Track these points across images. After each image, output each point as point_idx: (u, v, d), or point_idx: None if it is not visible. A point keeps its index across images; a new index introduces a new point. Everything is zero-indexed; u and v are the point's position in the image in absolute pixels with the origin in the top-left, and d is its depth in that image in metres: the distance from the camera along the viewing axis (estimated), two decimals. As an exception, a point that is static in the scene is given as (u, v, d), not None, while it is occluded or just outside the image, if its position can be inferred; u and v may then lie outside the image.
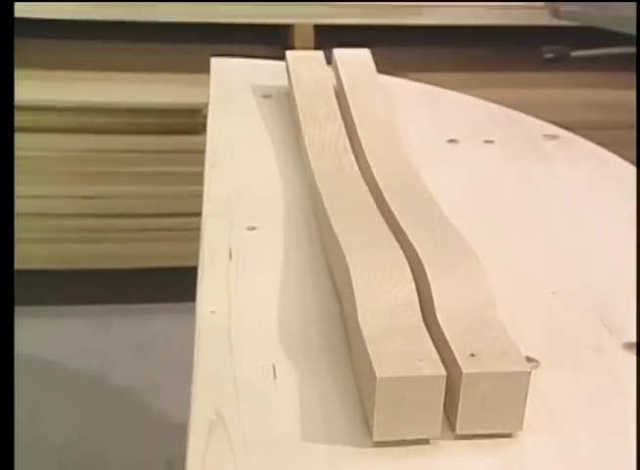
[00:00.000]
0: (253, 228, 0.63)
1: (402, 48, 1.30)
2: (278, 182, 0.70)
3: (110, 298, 1.42)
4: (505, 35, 1.41)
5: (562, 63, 1.27)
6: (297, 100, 0.78)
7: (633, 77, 1.36)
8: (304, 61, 0.85)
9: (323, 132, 0.72)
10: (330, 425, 0.46)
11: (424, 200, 0.61)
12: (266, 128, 0.80)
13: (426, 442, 0.45)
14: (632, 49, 1.14)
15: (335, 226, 0.56)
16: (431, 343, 0.46)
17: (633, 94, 1.35)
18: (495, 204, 0.70)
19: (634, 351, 0.53)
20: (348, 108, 0.76)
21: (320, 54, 0.87)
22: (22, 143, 1.27)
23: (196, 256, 0.59)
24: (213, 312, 0.54)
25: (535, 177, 0.75)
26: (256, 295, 0.56)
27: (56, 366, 1.30)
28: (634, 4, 1.02)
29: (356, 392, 0.48)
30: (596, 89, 1.50)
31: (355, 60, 0.85)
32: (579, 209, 0.70)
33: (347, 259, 0.52)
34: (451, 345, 0.46)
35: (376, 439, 0.45)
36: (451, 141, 0.80)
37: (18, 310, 1.38)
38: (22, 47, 1.28)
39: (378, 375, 0.43)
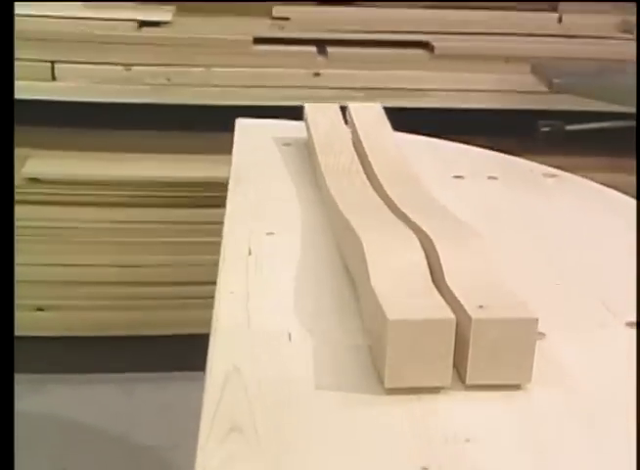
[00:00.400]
0: (272, 234, 0.64)
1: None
2: (295, 202, 0.71)
3: (135, 365, 1.40)
4: (501, 120, 1.44)
5: (559, 138, 1.30)
6: (315, 138, 0.79)
7: (631, 162, 1.37)
8: (322, 110, 0.87)
9: (337, 160, 0.74)
10: (343, 376, 0.45)
11: (431, 200, 0.61)
12: (285, 166, 0.81)
13: (436, 391, 0.44)
14: (626, 123, 1.17)
15: (347, 217, 0.56)
16: (441, 298, 0.46)
17: (631, 179, 1.37)
18: (498, 225, 0.70)
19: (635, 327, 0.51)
20: (362, 145, 0.78)
21: (336, 106, 0.89)
22: (66, 215, 1.29)
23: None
24: (232, 293, 0.53)
25: (537, 206, 0.75)
26: (273, 280, 0.56)
27: (87, 427, 1.28)
28: (633, 75, 1.04)
29: (369, 351, 0.47)
30: (593, 173, 1.51)
31: (368, 110, 0.87)
32: (580, 229, 0.70)
33: (360, 237, 0.52)
34: (460, 299, 0.45)
35: (388, 386, 0.43)
36: (457, 177, 0.80)
37: (52, 377, 1.37)
38: (69, 133, 1.33)
39: (389, 317, 0.42)
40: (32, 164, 1.24)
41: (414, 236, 0.52)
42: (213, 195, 1.31)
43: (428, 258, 0.50)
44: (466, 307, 0.44)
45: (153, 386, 1.39)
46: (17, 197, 1.23)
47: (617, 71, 1.14)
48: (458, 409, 0.43)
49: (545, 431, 0.41)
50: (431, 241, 0.51)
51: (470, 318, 0.43)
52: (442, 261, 0.49)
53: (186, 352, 1.37)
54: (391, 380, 0.43)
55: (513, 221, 0.71)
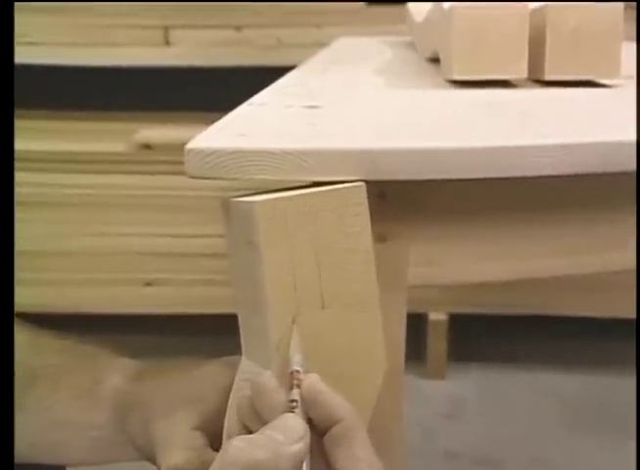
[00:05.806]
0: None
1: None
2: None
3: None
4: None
5: None
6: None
7: None
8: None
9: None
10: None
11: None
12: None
13: (512, 85, 0.37)
14: None
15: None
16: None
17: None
18: None
19: None
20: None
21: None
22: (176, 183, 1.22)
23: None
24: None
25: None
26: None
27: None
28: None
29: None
30: None
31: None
32: None
33: None
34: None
35: (456, 77, 0.36)
36: None
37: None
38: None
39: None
40: (144, 131, 1.19)
41: None
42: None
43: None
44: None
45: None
46: (129, 166, 1.15)
47: None
48: (540, 98, 0.35)
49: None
50: None
51: (545, 13, 0.36)
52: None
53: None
54: (459, 71, 0.36)
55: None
